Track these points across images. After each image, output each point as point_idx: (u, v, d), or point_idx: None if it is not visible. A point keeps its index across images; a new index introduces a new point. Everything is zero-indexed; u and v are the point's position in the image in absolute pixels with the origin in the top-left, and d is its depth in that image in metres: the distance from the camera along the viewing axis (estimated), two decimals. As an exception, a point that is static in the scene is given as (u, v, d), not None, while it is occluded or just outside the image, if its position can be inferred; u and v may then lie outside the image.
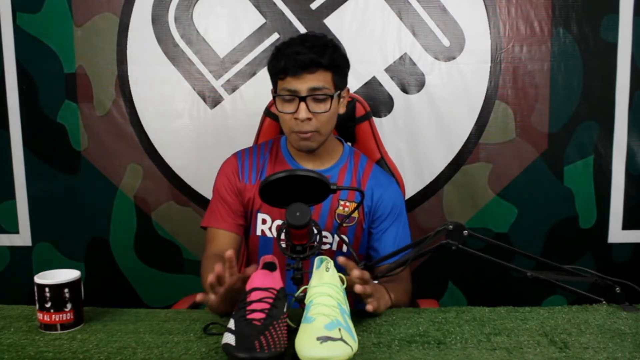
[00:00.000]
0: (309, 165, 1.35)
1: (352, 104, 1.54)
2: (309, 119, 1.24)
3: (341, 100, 1.31)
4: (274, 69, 1.27)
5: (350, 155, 1.40)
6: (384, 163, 1.53)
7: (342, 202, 1.34)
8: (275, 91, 1.29)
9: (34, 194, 2.07)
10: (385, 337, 0.98)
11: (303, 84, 1.22)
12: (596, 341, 0.96)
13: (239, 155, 1.40)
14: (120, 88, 2.00)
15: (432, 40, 1.94)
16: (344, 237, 1.34)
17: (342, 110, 1.33)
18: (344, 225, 1.34)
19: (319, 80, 1.23)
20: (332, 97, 1.25)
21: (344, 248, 1.35)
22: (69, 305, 1.02)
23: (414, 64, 1.95)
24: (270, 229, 1.36)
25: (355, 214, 1.34)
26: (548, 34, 1.93)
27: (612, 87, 1.95)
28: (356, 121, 1.54)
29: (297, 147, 1.30)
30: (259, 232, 1.36)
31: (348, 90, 1.34)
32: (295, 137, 1.28)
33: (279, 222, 1.34)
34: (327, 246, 1.34)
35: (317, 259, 1.06)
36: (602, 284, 1.16)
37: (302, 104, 1.23)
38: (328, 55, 1.23)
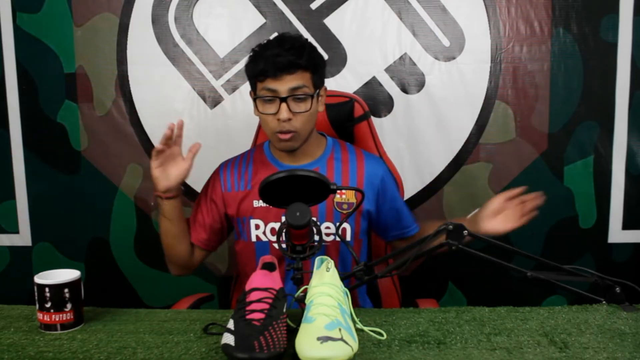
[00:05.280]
0: (294, 164, 1.35)
1: (350, 104, 1.54)
2: (290, 119, 1.25)
3: (320, 98, 1.33)
4: (252, 72, 1.28)
5: (335, 146, 1.41)
6: (383, 163, 1.53)
7: (338, 191, 1.34)
8: (254, 93, 1.30)
9: (34, 194, 2.08)
10: (385, 337, 0.98)
11: (283, 85, 1.24)
12: (596, 341, 0.96)
13: (222, 166, 1.43)
14: (120, 88, 2.00)
15: (432, 40, 1.94)
16: (345, 226, 1.35)
17: (321, 108, 1.34)
18: (343, 212, 1.34)
19: (299, 80, 1.25)
20: (312, 96, 1.27)
21: (347, 236, 1.36)
22: (69, 305, 1.02)
23: (414, 64, 1.95)
24: (264, 233, 1.36)
25: (354, 200, 1.34)
26: (548, 34, 1.93)
27: (612, 87, 1.95)
28: (354, 121, 1.55)
29: (279, 147, 1.32)
30: (254, 239, 1.37)
31: (325, 88, 1.36)
32: (276, 138, 1.29)
33: (272, 225, 1.35)
34: (331, 237, 1.35)
35: (317, 259, 1.06)
36: (602, 284, 1.16)
37: (283, 105, 1.24)
38: (306, 56, 1.25)
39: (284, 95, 1.24)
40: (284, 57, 1.22)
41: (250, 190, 1.36)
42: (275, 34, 1.92)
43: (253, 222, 1.36)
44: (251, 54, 1.30)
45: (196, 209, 1.42)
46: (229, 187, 1.38)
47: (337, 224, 1.31)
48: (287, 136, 1.27)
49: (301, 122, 1.27)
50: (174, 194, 1.30)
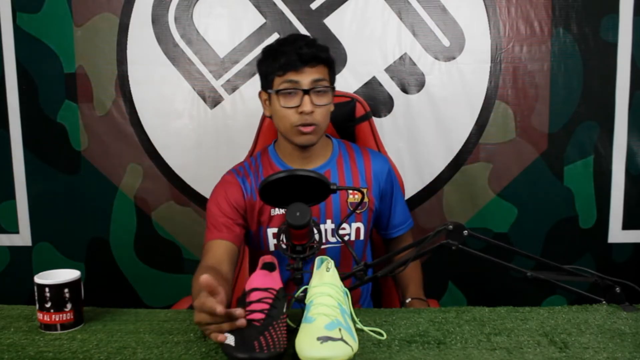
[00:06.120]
0: (304, 166, 1.34)
1: (352, 104, 1.54)
2: (313, 111, 1.25)
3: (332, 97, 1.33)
4: (271, 67, 1.27)
5: (341, 146, 1.42)
6: (383, 163, 1.54)
7: (350, 191, 1.35)
8: (270, 88, 1.28)
9: (34, 194, 2.07)
10: (385, 337, 0.98)
11: (305, 77, 1.25)
12: (596, 341, 0.96)
13: (236, 174, 1.37)
14: (120, 88, 2.00)
15: (432, 40, 1.94)
16: (359, 225, 1.36)
17: (332, 107, 1.35)
18: (358, 212, 1.35)
19: (319, 73, 1.26)
20: (332, 89, 1.29)
21: (361, 235, 1.36)
22: (69, 305, 1.02)
23: (414, 64, 1.95)
24: (282, 241, 1.34)
25: (366, 199, 1.36)
26: (548, 34, 1.93)
27: (612, 87, 1.95)
28: (356, 121, 1.55)
29: (299, 141, 1.29)
30: (272, 247, 1.35)
31: (334, 88, 1.36)
32: (296, 131, 1.27)
33: None
34: (346, 237, 1.35)
35: (317, 259, 1.06)
36: (602, 284, 1.16)
37: (306, 97, 1.24)
38: (324, 52, 1.28)
39: (306, 87, 1.24)
40: (307, 50, 1.24)
41: None
42: (276, 34, 1.94)
43: (270, 230, 1.34)
44: (267, 51, 1.30)
45: (218, 211, 1.31)
46: (245, 195, 1.33)
47: (337, 224, 1.32)
48: (310, 129, 1.26)
49: (322, 116, 1.27)
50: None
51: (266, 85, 1.31)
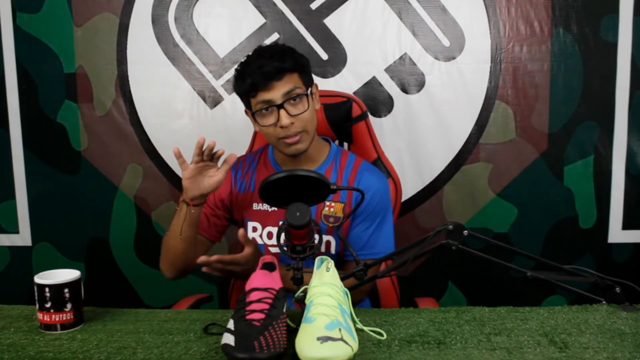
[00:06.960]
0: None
1: (348, 103, 1.54)
2: (292, 122, 1.25)
3: (314, 96, 1.33)
4: (242, 90, 1.29)
5: (336, 155, 1.40)
6: (380, 163, 1.53)
7: (327, 203, 1.34)
8: (250, 110, 1.31)
9: (34, 194, 2.08)
10: (385, 337, 0.98)
11: (276, 93, 1.25)
12: (596, 341, 0.96)
13: (232, 165, 1.38)
14: (120, 88, 2.00)
15: (432, 40, 1.94)
16: (329, 238, 1.35)
17: (317, 105, 1.35)
18: (330, 225, 1.34)
19: (289, 84, 1.25)
20: (306, 95, 1.28)
21: (332, 249, 1.35)
22: (69, 305, 1.02)
23: (414, 64, 1.95)
24: (261, 236, 1.36)
25: (340, 214, 1.34)
26: (548, 34, 1.93)
27: (612, 87, 1.95)
28: (352, 121, 1.55)
29: (289, 152, 1.30)
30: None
31: (316, 85, 1.36)
32: (283, 144, 1.29)
33: (269, 229, 1.35)
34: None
35: (317, 259, 1.06)
36: (602, 284, 1.16)
37: (282, 111, 1.25)
38: (289, 58, 1.27)
39: (279, 102, 1.25)
40: (269, 66, 1.23)
41: (252, 193, 1.37)
42: (276, 34, 1.94)
43: (250, 224, 1.37)
44: (236, 74, 1.31)
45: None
46: (233, 187, 1.40)
47: (336, 225, 1.31)
48: (294, 139, 1.27)
49: (303, 123, 1.27)
50: (200, 202, 1.27)
51: (246, 105, 1.33)
